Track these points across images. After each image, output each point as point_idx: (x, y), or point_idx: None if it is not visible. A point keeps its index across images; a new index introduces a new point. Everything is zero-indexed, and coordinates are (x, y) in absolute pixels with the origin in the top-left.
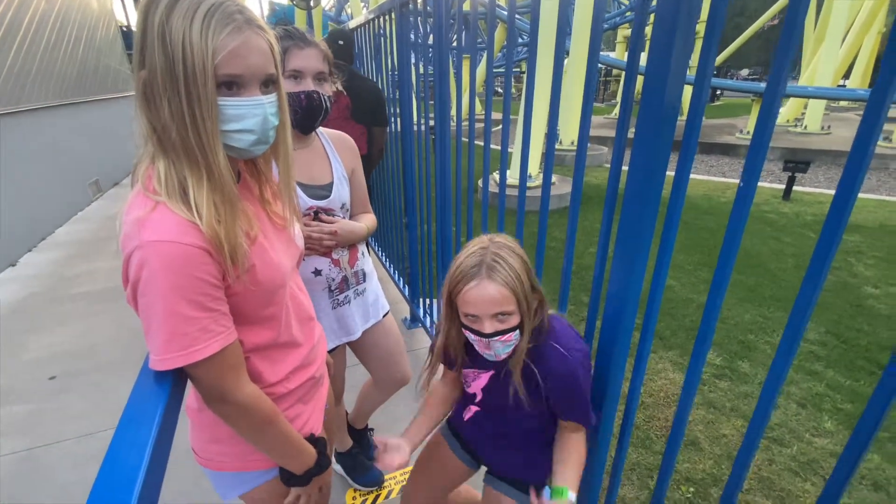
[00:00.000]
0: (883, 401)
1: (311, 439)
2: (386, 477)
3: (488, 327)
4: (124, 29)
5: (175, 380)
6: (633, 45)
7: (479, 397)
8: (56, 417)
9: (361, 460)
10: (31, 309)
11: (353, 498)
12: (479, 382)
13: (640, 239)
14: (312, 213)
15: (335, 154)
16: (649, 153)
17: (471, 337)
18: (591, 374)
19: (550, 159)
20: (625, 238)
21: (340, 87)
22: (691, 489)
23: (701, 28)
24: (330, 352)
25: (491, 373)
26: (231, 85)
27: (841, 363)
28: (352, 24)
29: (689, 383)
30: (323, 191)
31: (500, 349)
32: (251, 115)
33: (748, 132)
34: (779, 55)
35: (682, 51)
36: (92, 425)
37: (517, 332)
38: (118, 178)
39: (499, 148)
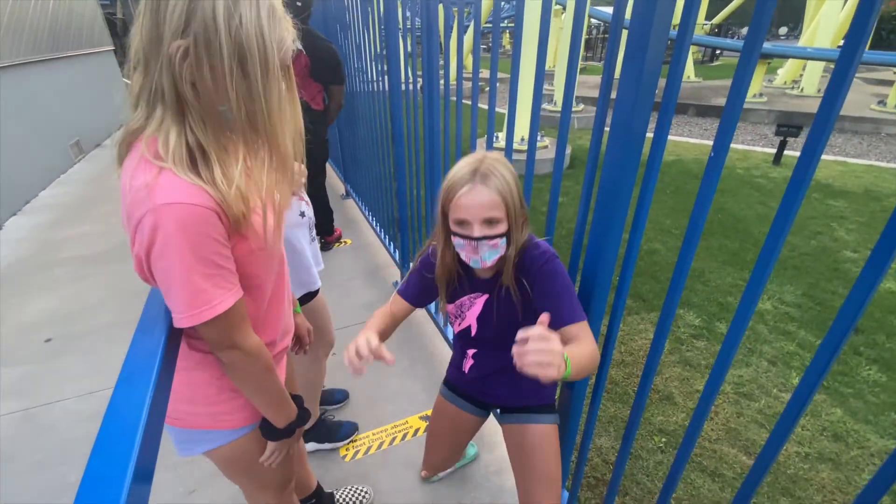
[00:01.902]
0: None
1: (291, 395)
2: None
3: (477, 231)
4: None
5: (168, 342)
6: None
7: (474, 330)
8: (54, 379)
9: (328, 423)
10: (21, 273)
11: (347, 449)
12: (474, 310)
13: (618, 197)
14: None
15: None
16: (630, 110)
17: (459, 243)
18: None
19: (536, 121)
20: (604, 196)
21: (300, 47)
22: (663, 439)
23: None
24: (315, 293)
25: (486, 297)
26: None
27: (813, 324)
28: None
29: (659, 333)
30: None
31: (486, 254)
32: None
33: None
34: (754, 20)
35: (665, 5)
36: (91, 385)
37: (504, 238)
38: (100, 139)
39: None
